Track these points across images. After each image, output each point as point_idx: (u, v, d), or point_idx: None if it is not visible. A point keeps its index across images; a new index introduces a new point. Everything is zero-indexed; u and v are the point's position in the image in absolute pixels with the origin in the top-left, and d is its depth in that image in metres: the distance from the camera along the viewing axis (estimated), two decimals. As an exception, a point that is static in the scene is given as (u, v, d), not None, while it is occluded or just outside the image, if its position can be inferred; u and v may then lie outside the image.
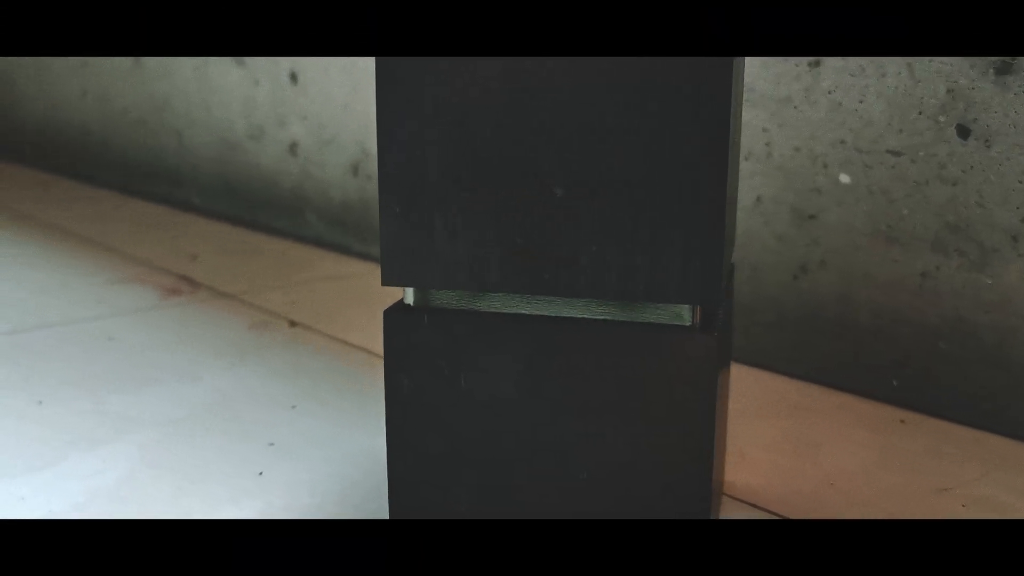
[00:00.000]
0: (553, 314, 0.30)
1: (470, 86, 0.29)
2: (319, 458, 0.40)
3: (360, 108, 0.73)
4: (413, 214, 0.30)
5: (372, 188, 0.74)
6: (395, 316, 0.31)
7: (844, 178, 0.47)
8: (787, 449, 0.42)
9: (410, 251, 0.30)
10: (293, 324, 0.59)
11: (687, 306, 0.29)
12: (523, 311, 0.30)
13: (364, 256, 0.76)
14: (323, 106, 0.77)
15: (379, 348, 0.55)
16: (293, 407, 0.46)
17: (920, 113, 0.44)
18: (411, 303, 0.31)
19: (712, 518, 0.31)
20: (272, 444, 0.42)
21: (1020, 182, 0.42)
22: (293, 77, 0.79)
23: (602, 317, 0.30)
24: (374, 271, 0.73)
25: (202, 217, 0.92)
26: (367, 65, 0.71)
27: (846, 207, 0.48)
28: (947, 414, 0.45)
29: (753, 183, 0.50)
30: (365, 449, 0.41)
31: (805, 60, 0.48)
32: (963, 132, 0.43)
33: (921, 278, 0.45)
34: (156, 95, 0.97)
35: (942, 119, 0.44)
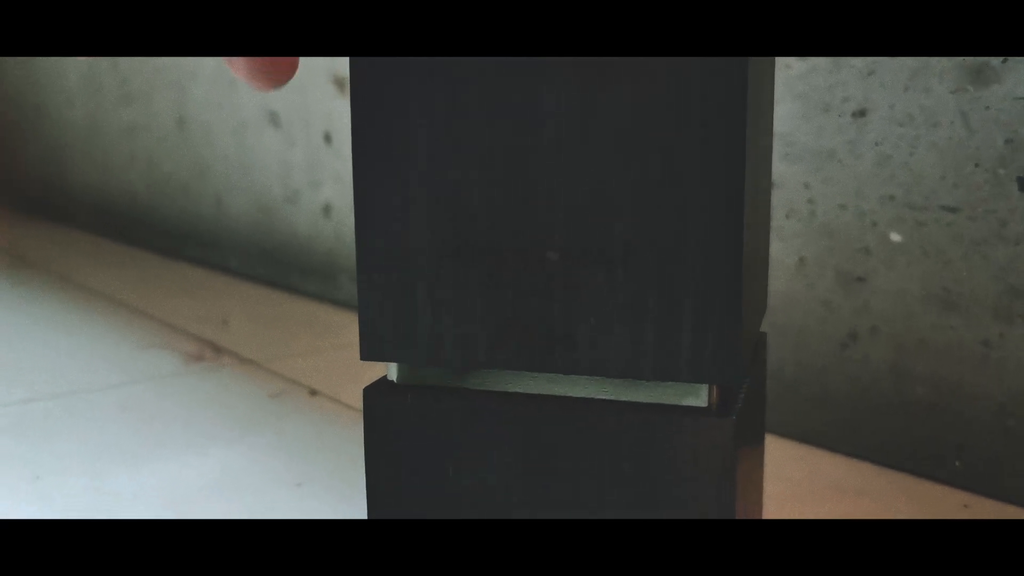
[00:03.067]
0: (550, 393, 0.27)
1: (455, 146, 0.26)
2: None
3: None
4: (394, 283, 0.27)
5: (404, 250, 0.72)
6: (376, 394, 0.28)
7: (895, 237, 0.44)
8: (834, 539, 0.37)
9: (391, 324, 0.27)
10: (314, 393, 0.57)
11: (703, 384, 0.26)
12: (517, 389, 0.27)
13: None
14: (356, 167, 0.75)
15: (398, 420, 0.52)
16: (299, 485, 0.43)
17: (977, 165, 0.40)
18: (395, 379, 0.28)
19: None
20: (269, 527, 0.39)
21: (1093, 240, 0.38)
22: (327, 138, 0.78)
23: (604, 397, 0.26)
24: (404, 336, 0.70)
25: (239, 281, 0.91)
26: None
27: (897, 269, 0.44)
28: (1017, 499, 0.41)
29: (795, 244, 0.47)
30: (366, 534, 0.38)
31: (848, 111, 0.44)
32: (1025, 186, 0.39)
33: (983, 347, 0.41)
34: (199, 159, 0.97)
35: (1001, 172, 0.40)
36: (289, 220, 0.85)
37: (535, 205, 0.25)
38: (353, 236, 0.77)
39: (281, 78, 0.27)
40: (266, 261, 0.89)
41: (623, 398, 0.26)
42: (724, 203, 0.24)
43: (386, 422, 0.27)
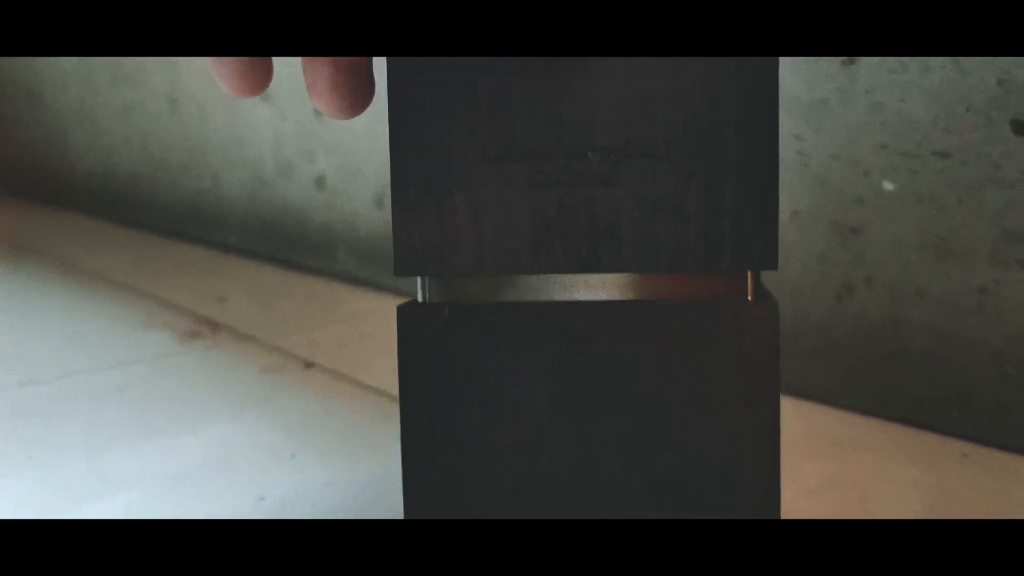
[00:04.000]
0: (591, 298, 0.26)
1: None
2: (307, 515, 0.37)
3: (383, 138, 0.71)
4: (429, 193, 0.26)
5: (399, 220, 0.71)
6: (411, 311, 0.26)
7: (888, 186, 0.43)
8: (830, 493, 0.37)
9: (428, 235, 0.26)
10: (308, 366, 0.56)
11: (742, 274, 0.25)
12: (558, 298, 0.26)
13: (393, 291, 0.73)
14: (347, 137, 0.75)
15: (394, 390, 0.52)
16: (293, 456, 0.43)
17: (968, 109, 0.39)
18: (428, 298, 0.27)
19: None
20: (263, 498, 0.39)
21: (1089, 181, 0.37)
22: (318, 110, 0.77)
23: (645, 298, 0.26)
24: (402, 307, 0.70)
25: (239, 257, 0.91)
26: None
27: (892, 218, 0.43)
28: (1017, 447, 0.40)
29: (788, 196, 0.46)
30: (360, 505, 0.38)
31: (838, 58, 0.43)
32: (1019, 128, 0.38)
33: (980, 294, 0.40)
34: (193, 137, 0.97)
35: (994, 114, 0.39)
36: (284, 194, 0.84)
37: (575, 105, 0.25)
38: (348, 209, 0.76)
39: (360, 106, 0.28)
40: (264, 236, 0.89)
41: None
42: (759, 93, 0.24)
43: (423, 339, 0.26)
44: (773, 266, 0.25)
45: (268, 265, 0.86)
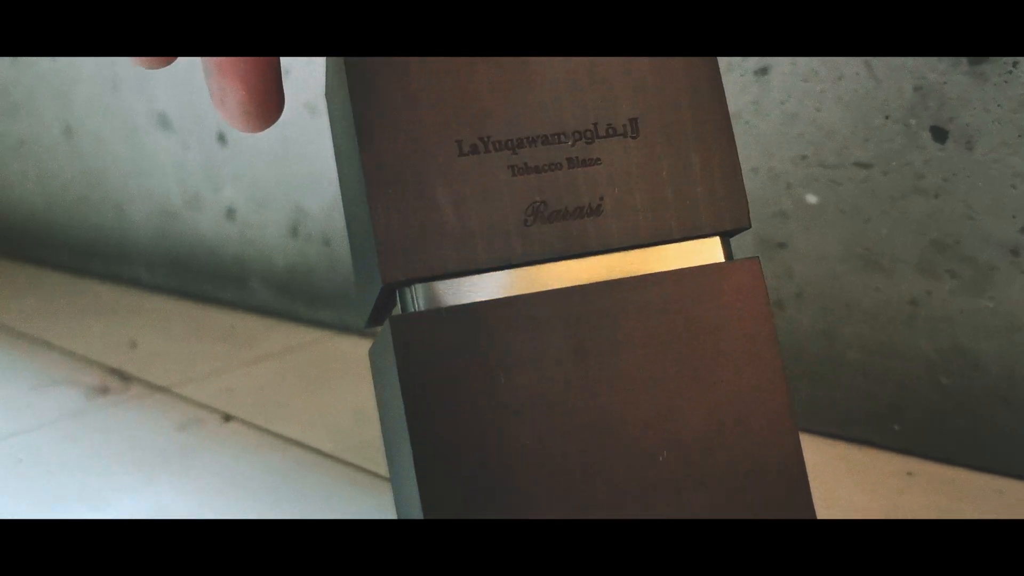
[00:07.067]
0: (587, 281, 0.26)
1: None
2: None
3: (291, 164, 0.68)
4: (410, 190, 0.25)
5: (313, 249, 0.68)
6: (404, 322, 0.25)
7: (811, 198, 0.41)
8: (775, 529, 0.36)
9: (414, 235, 0.25)
10: (228, 419, 0.53)
11: (715, 240, 0.27)
12: (553, 286, 0.26)
13: (313, 323, 0.70)
14: (254, 165, 0.71)
15: (316, 441, 0.49)
16: (209, 532, 0.40)
17: (887, 117, 0.38)
18: (417, 306, 0.26)
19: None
20: (176, 588, 0.36)
21: (1013, 186, 0.36)
22: (221, 138, 0.74)
23: (636, 274, 0.26)
24: (322, 340, 0.67)
25: (150, 293, 0.86)
26: (294, 118, 0.66)
27: (817, 231, 0.41)
28: (960, 460, 0.39)
29: (710, 212, 0.44)
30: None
31: (751, 69, 0.42)
32: (939, 135, 0.37)
33: (911, 306, 0.39)
34: (91, 169, 0.92)
35: (913, 122, 0.38)
36: (193, 226, 0.80)
37: (542, 96, 0.26)
38: (260, 239, 0.73)
39: (271, 117, 0.27)
40: (175, 271, 0.84)
41: (655, 271, 0.27)
42: (704, 70, 0.27)
43: (424, 347, 0.25)
44: (746, 224, 0.27)
45: (181, 301, 0.82)
